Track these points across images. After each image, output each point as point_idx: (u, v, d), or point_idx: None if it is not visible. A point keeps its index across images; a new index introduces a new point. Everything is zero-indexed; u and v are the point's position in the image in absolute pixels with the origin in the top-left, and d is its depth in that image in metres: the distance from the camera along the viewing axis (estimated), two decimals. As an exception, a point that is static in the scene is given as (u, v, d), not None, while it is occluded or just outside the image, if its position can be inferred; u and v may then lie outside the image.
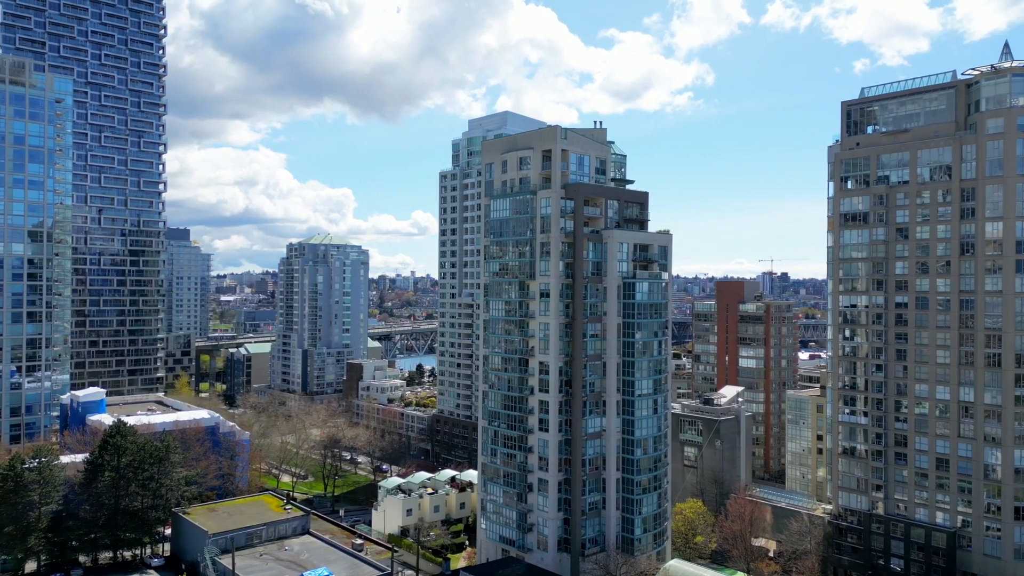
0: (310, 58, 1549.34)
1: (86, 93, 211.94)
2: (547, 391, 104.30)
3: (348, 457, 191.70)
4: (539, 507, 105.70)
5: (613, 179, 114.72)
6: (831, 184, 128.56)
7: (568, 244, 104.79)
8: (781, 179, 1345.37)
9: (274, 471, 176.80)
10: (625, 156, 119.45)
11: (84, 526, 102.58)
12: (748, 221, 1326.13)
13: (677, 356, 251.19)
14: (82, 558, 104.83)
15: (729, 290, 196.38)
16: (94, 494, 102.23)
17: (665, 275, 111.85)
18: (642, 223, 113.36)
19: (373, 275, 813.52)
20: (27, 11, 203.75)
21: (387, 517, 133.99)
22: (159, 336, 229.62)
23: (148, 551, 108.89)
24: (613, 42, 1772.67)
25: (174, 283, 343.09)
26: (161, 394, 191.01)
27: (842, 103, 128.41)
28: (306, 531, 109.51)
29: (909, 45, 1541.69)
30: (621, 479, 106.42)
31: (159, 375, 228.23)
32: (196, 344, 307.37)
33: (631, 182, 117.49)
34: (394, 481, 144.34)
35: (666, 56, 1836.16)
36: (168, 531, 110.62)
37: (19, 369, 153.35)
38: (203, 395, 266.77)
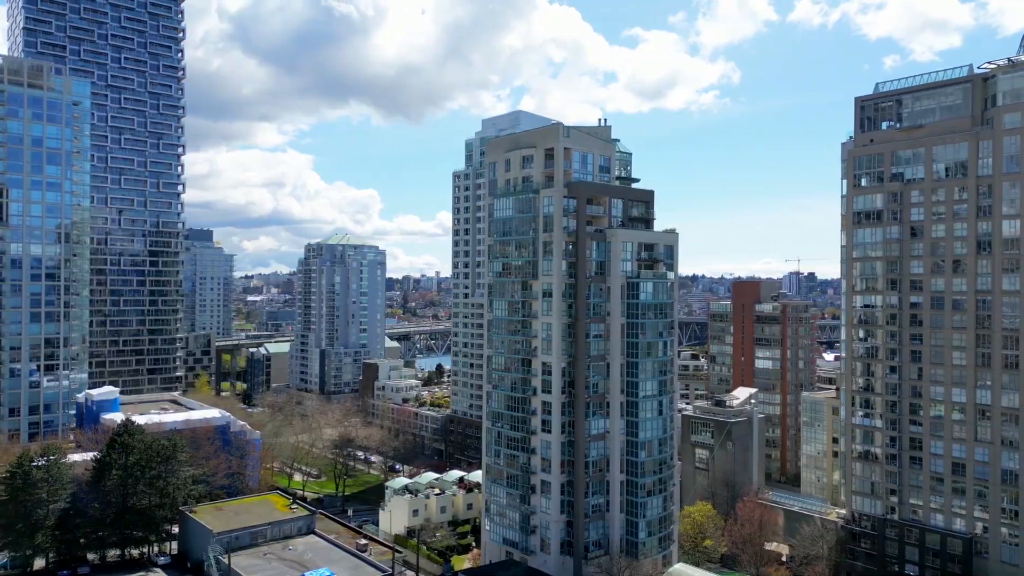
0: (336, 60, 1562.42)
1: (106, 96, 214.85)
2: (550, 392, 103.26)
3: (362, 457, 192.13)
4: (542, 509, 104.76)
5: (618, 177, 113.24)
6: (844, 182, 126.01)
7: (571, 243, 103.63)
8: (809, 177, 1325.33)
9: (287, 470, 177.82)
10: (630, 154, 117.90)
11: (92, 524, 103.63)
12: (776, 220, 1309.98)
13: (695, 357, 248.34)
14: (90, 556, 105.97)
15: (745, 290, 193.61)
16: (102, 492, 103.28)
17: (671, 275, 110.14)
18: (647, 222, 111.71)
19: (398, 275, 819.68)
20: (48, 15, 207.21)
21: (394, 517, 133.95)
22: (178, 336, 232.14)
23: (155, 549, 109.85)
24: (638, 41, 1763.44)
25: (197, 283, 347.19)
26: (176, 393, 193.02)
27: (855, 99, 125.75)
28: (311, 531, 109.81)
29: (940, 40, 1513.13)
30: (625, 481, 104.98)
31: (178, 374, 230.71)
32: (217, 344, 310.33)
33: (636, 180, 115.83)
34: (401, 481, 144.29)
35: (691, 54, 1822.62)
36: (176, 529, 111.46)
37: (38, 368, 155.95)
38: (224, 394, 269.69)
